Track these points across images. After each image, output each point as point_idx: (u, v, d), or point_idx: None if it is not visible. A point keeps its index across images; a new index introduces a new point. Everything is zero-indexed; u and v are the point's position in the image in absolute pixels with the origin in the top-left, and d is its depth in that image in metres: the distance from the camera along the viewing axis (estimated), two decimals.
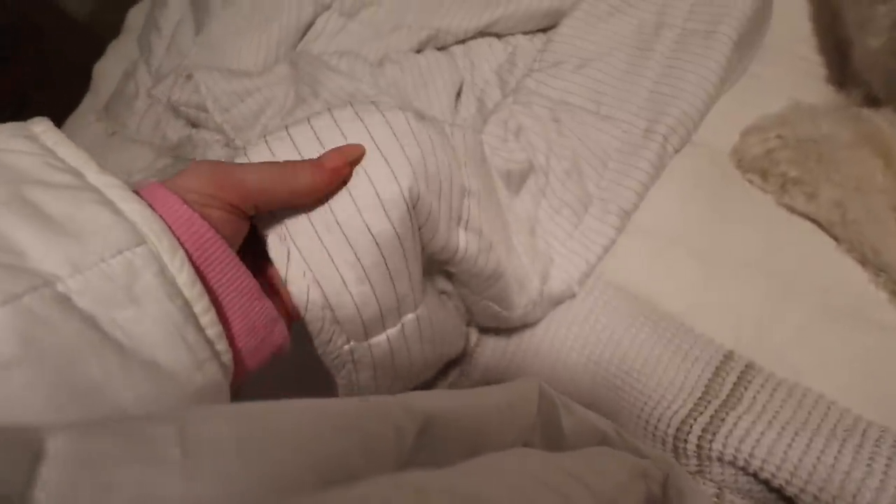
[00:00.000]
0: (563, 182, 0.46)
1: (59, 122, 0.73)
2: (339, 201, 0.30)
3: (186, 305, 0.24)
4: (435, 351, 0.38)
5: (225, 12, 0.61)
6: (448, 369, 0.45)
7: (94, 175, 0.25)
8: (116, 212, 0.24)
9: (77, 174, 0.25)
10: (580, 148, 0.47)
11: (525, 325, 0.44)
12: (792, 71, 0.52)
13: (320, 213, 0.30)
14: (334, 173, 0.30)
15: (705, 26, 0.49)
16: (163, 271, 0.24)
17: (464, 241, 0.35)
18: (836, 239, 0.45)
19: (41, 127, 0.26)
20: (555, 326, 0.44)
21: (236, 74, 0.56)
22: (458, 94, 0.53)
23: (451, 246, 0.34)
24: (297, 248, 0.31)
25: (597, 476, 0.23)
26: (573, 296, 0.44)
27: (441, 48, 0.55)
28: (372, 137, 0.31)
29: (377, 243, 0.30)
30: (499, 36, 0.55)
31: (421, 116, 0.33)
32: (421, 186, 0.31)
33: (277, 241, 0.31)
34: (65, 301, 0.22)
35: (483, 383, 0.44)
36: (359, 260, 0.30)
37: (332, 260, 0.30)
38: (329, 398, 0.20)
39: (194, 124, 0.58)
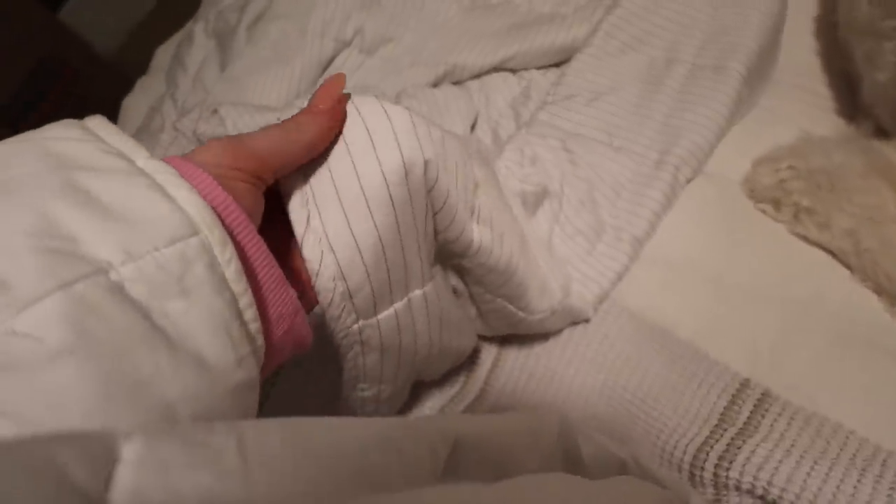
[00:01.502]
0: (576, 210, 0.47)
1: None
2: (365, 163, 0.30)
3: (233, 300, 0.24)
4: (442, 337, 0.38)
5: (248, 50, 0.64)
6: (466, 394, 0.46)
7: (143, 160, 0.24)
8: (168, 198, 0.23)
9: (127, 159, 0.24)
10: (593, 178, 0.48)
11: (542, 348, 0.44)
12: (802, 103, 0.53)
13: (344, 176, 0.30)
14: (331, 115, 0.30)
15: (715, 61, 0.50)
16: (213, 264, 0.23)
17: (477, 232, 0.35)
18: (849, 268, 0.45)
19: (95, 121, 0.26)
20: (571, 351, 0.44)
21: (260, 109, 0.58)
22: (473, 127, 0.55)
23: (465, 237, 0.35)
24: (317, 212, 0.31)
25: None
26: (588, 319, 0.45)
27: (457, 83, 0.57)
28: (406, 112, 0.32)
29: (394, 207, 0.31)
30: (513, 71, 0.56)
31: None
32: (440, 165, 0.32)
33: (298, 205, 0.31)
34: (118, 289, 0.21)
35: (498, 406, 0.44)
36: (375, 224, 0.30)
37: (349, 224, 0.30)
38: (371, 418, 0.21)
39: None
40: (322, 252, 0.30)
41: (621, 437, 0.41)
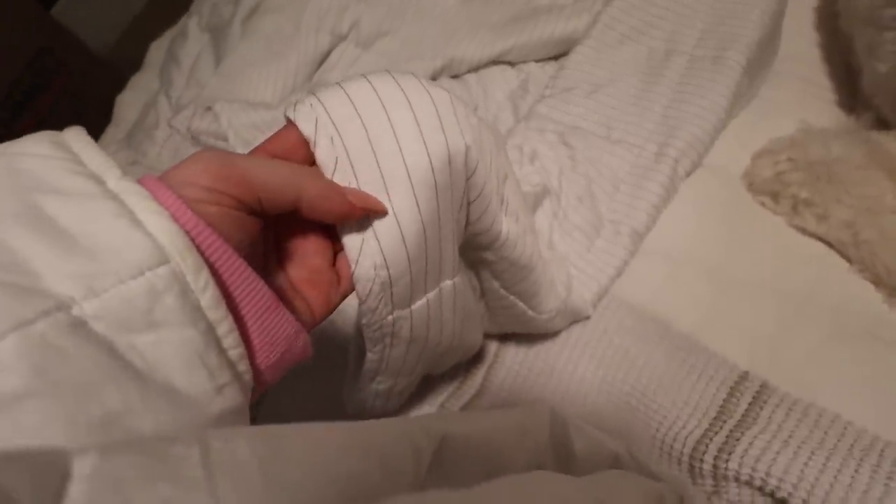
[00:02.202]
0: (574, 207, 0.47)
1: None
2: (411, 146, 0.29)
3: (209, 329, 0.23)
4: (463, 329, 0.38)
5: (243, 45, 0.63)
6: (466, 389, 0.46)
7: (114, 181, 0.23)
8: (136, 224, 0.22)
9: (98, 180, 0.23)
10: (592, 173, 0.48)
11: (541, 343, 0.44)
12: (802, 95, 0.52)
13: (390, 158, 0.29)
14: (349, 209, 0.28)
15: (714, 52, 0.50)
16: (185, 293, 0.22)
17: (506, 224, 0.35)
18: (848, 259, 0.45)
19: (72, 133, 0.24)
20: (570, 346, 0.44)
21: (255, 106, 0.57)
22: None
23: (495, 228, 0.34)
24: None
25: (616, 501, 0.23)
26: (587, 317, 0.45)
27: (455, 76, 0.57)
28: (434, 103, 0.30)
29: (437, 193, 0.29)
30: (511, 64, 0.56)
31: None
32: (479, 156, 0.30)
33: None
34: (80, 326, 0.20)
35: (498, 402, 0.44)
36: (419, 210, 0.29)
37: (394, 209, 0.29)
38: (352, 422, 0.20)
39: None
40: (363, 239, 0.29)
41: (620, 431, 0.41)
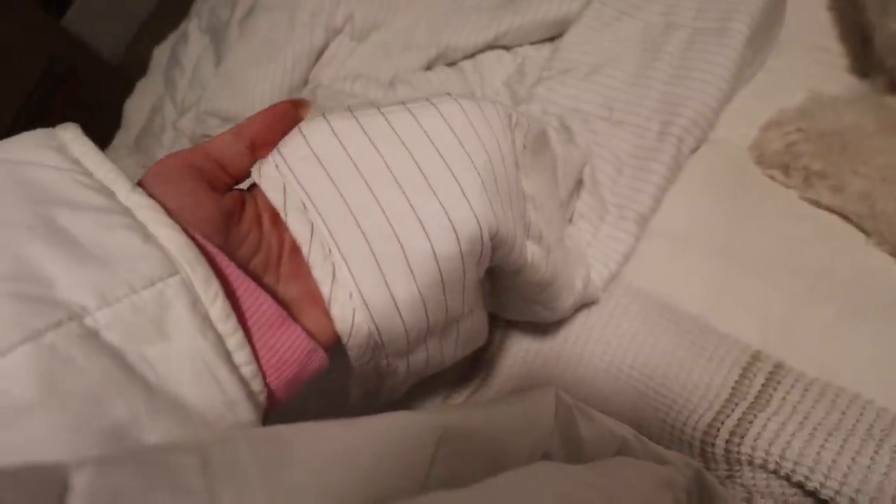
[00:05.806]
0: (579, 194, 0.46)
1: None
2: (403, 220, 0.28)
3: (219, 341, 0.23)
4: (466, 350, 0.38)
5: (240, 44, 0.63)
6: (471, 377, 0.45)
7: (125, 194, 0.24)
8: (147, 237, 0.23)
9: (107, 192, 0.23)
10: (594, 157, 0.47)
11: (547, 330, 0.44)
12: (811, 62, 0.50)
13: (377, 229, 0.28)
14: (271, 110, 0.31)
15: (715, 23, 0.48)
16: (195, 303, 0.22)
17: (530, 251, 0.33)
18: (865, 232, 0.43)
19: (70, 134, 0.25)
20: (576, 331, 0.43)
21: None
22: None
23: (522, 258, 0.33)
24: (347, 268, 0.28)
25: (622, 489, 0.23)
26: (595, 301, 0.44)
27: (450, 64, 0.56)
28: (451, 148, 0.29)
29: (439, 267, 0.28)
30: (507, 48, 0.55)
31: (485, 118, 0.30)
32: (507, 222, 0.30)
33: (321, 257, 0.28)
34: (92, 336, 0.20)
35: (504, 389, 0.44)
36: (416, 282, 0.28)
37: (386, 281, 0.28)
38: (354, 418, 0.20)
39: None
40: (354, 310, 0.28)
41: (629, 417, 0.41)
